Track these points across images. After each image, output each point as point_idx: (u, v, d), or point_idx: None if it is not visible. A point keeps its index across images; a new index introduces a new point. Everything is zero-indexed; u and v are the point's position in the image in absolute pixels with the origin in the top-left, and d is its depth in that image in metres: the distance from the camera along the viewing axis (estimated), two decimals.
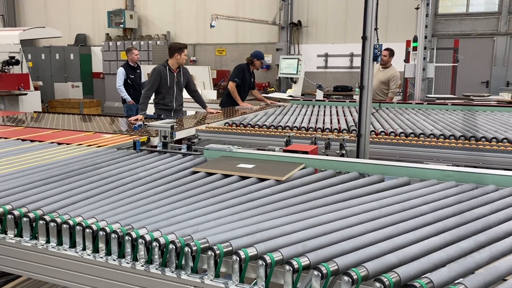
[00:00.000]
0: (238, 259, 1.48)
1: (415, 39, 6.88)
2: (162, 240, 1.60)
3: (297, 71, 7.49)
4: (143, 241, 1.63)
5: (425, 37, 6.70)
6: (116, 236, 1.67)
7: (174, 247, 1.57)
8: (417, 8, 6.94)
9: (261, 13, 12.80)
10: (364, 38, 3.12)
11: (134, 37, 14.59)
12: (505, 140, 3.52)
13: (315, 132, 4.00)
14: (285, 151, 2.81)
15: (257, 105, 6.44)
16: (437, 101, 6.79)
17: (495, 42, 10.98)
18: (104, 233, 1.70)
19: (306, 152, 2.73)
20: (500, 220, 1.77)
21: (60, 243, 1.78)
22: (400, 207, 1.92)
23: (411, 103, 6.18)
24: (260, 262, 1.45)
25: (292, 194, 2.11)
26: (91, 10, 15.28)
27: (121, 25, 14.31)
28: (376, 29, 3.13)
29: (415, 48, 6.95)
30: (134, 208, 1.95)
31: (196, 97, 5.82)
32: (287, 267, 1.41)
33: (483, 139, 3.60)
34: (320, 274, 1.36)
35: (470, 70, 10.46)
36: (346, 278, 1.34)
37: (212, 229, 1.70)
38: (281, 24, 12.63)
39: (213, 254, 1.51)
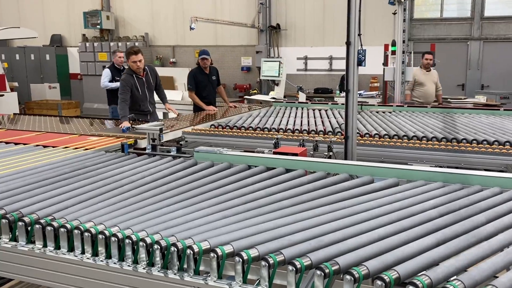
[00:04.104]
0: (241, 260, 1.50)
1: (394, 44, 7.02)
2: (163, 243, 1.61)
3: (279, 74, 7.53)
4: (144, 244, 1.63)
5: (403, 42, 6.83)
6: (116, 239, 1.67)
7: (176, 249, 1.58)
8: (394, 13, 7.07)
9: (240, 16, 12.82)
10: (348, 43, 3.20)
11: (111, 38, 14.39)
12: (485, 142, 3.64)
13: (302, 134, 4.05)
14: (275, 153, 2.84)
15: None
16: (416, 103, 6.95)
17: (469, 47, 11.28)
18: (104, 236, 1.70)
19: (296, 154, 2.77)
20: (488, 219, 1.84)
21: (57, 247, 1.77)
22: (392, 208, 1.98)
23: (392, 105, 6.30)
24: (263, 263, 1.47)
25: (287, 195, 2.14)
26: (66, 10, 15.00)
27: (98, 26, 14.10)
28: (359, 34, 3.22)
29: (393, 52, 7.08)
30: (131, 211, 1.95)
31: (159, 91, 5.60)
32: (290, 267, 1.44)
33: (464, 140, 3.71)
34: (323, 274, 1.40)
35: (446, 73, 10.70)
36: (348, 277, 1.38)
37: (212, 231, 1.71)
38: (260, 27, 12.68)
39: (216, 255, 1.53)
